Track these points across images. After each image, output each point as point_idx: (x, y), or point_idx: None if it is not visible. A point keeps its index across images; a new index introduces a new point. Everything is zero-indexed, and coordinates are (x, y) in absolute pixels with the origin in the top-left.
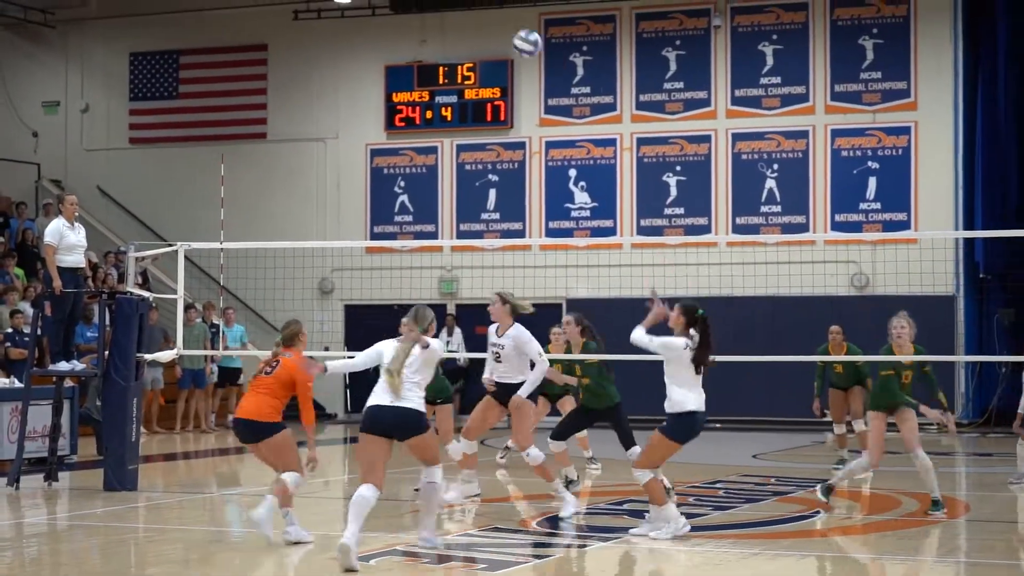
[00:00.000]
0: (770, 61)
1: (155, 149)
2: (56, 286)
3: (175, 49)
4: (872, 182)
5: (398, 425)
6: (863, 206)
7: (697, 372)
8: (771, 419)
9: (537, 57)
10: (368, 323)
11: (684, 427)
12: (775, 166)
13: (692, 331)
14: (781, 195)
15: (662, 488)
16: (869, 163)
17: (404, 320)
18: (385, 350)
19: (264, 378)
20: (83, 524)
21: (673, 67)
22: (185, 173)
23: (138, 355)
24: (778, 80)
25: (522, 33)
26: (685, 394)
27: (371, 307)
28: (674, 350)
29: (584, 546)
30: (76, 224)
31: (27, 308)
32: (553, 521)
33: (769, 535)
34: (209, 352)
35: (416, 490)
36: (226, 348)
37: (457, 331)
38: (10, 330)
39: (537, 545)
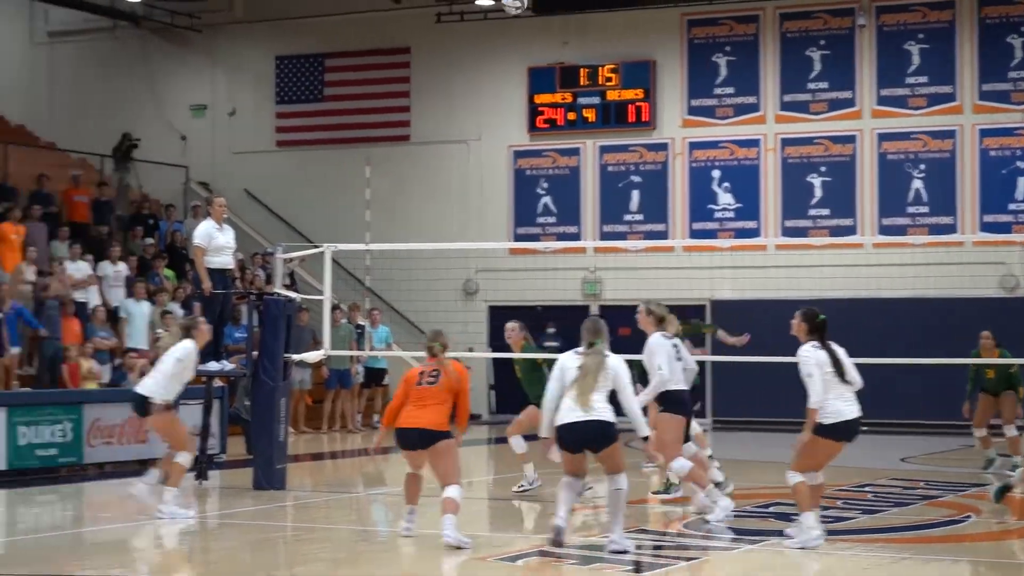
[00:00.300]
0: (916, 60)
1: (301, 151)
2: (205, 287)
3: (320, 52)
4: (1022, 182)
5: (594, 439)
6: (1012, 206)
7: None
8: (920, 422)
9: (519, 8)
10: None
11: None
12: (921, 166)
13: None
14: (928, 196)
15: (808, 494)
16: (1019, 163)
17: (584, 331)
18: (567, 366)
19: (431, 389)
20: (233, 522)
21: (817, 67)
22: (330, 175)
23: (286, 356)
24: (924, 79)
25: None
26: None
27: (515, 308)
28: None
29: (732, 549)
30: (224, 226)
31: (177, 309)
32: (699, 524)
33: (919, 539)
34: (355, 353)
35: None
36: (372, 349)
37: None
38: (160, 331)
39: (684, 547)
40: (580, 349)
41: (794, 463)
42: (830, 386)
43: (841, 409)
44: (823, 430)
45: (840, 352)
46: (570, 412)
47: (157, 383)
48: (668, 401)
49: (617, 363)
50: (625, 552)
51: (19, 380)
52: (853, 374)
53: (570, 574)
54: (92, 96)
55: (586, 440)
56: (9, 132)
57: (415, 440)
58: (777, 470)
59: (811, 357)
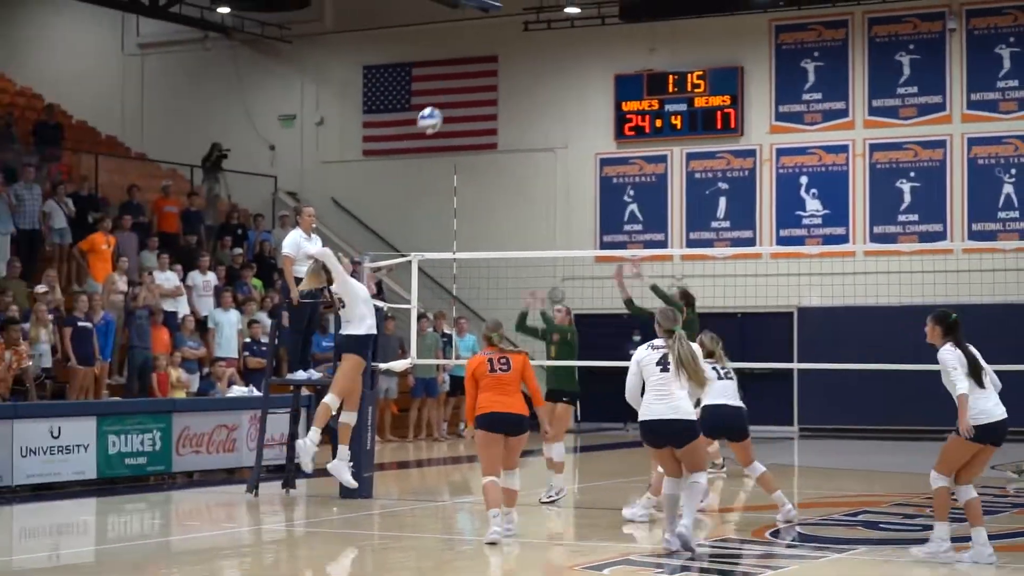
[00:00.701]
0: (1007, 64)
1: (388, 161)
2: (293, 296)
3: (407, 62)
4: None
5: (677, 436)
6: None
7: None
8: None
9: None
10: (598, 331)
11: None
12: (1012, 171)
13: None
14: (1019, 200)
15: (947, 502)
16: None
17: (661, 319)
18: (644, 360)
19: (507, 375)
20: (319, 531)
21: (907, 71)
22: (417, 184)
23: (373, 364)
24: (1015, 83)
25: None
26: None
27: (601, 316)
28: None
29: (819, 558)
30: (312, 235)
31: (265, 318)
32: (786, 532)
33: (1010, 547)
34: (441, 361)
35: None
36: (458, 357)
37: None
38: (249, 340)
39: (770, 556)
40: (657, 342)
41: (939, 464)
42: (971, 387)
43: (989, 409)
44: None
45: (977, 354)
46: (653, 406)
47: None
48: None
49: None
50: (689, 544)
51: (109, 389)
52: (992, 376)
53: None
54: (182, 107)
55: (669, 437)
56: (100, 143)
57: (509, 425)
58: (862, 478)
59: (952, 354)
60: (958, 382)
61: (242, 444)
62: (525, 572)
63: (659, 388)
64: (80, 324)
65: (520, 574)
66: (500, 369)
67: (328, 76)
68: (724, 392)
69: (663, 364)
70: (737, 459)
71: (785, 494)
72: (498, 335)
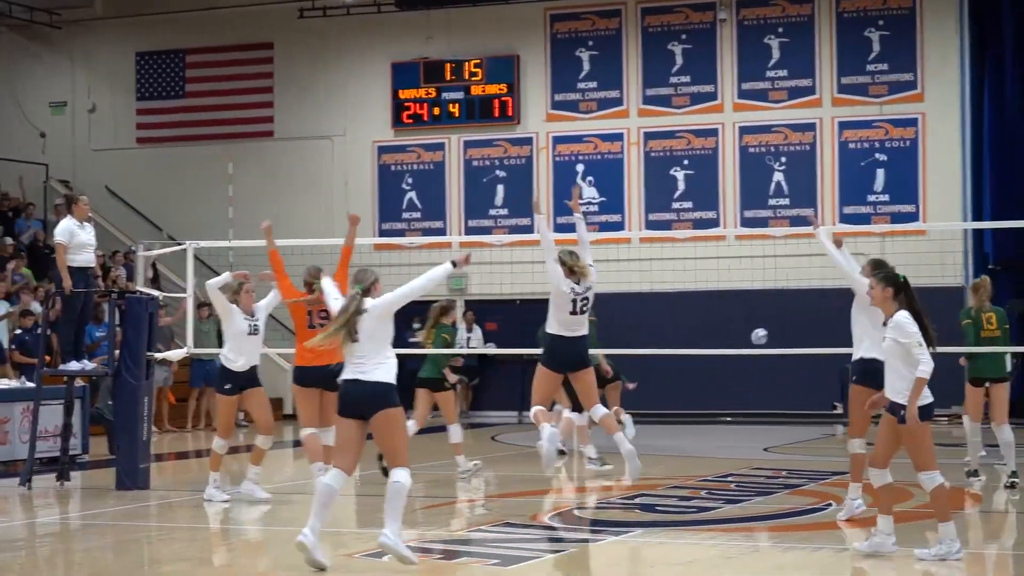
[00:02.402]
0: (776, 54)
1: (162, 148)
2: (66, 285)
3: (181, 48)
4: (880, 174)
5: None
6: (871, 198)
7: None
8: (779, 412)
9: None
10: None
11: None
12: (783, 159)
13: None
14: (789, 188)
15: (947, 502)
16: (877, 155)
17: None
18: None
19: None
20: (95, 523)
21: (680, 61)
22: (193, 172)
23: (148, 354)
24: (784, 73)
25: None
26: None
27: None
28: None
29: (596, 541)
30: (86, 224)
31: (36, 307)
32: (565, 516)
33: (781, 528)
34: (216, 351)
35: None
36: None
37: (476, 328)
38: (20, 331)
39: (550, 540)
40: None
41: (923, 461)
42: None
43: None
44: (926, 412)
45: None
46: None
47: None
48: None
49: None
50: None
51: None
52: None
53: (436, 569)
54: None
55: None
56: None
57: (326, 379)
58: (644, 461)
59: (913, 325)
60: (923, 361)
61: (15, 436)
62: (300, 560)
63: None
64: None
65: (295, 562)
66: (319, 324)
67: (100, 63)
68: None
69: None
70: None
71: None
72: (319, 284)
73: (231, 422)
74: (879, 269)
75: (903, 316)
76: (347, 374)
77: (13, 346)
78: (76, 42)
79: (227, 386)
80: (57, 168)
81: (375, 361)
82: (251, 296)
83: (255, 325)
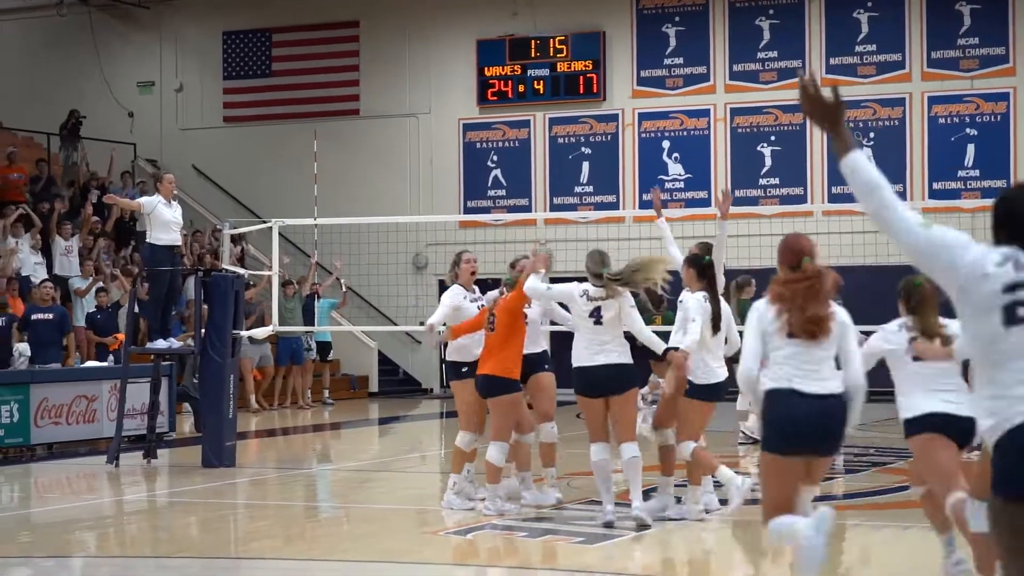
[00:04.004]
0: (865, 28)
1: (249, 127)
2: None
3: (267, 27)
4: (970, 149)
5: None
6: (961, 173)
7: (716, 330)
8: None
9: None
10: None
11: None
12: (871, 135)
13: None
14: (878, 163)
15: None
16: (967, 130)
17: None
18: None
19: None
20: (181, 501)
21: (767, 36)
22: (279, 151)
23: (234, 332)
24: (873, 48)
25: None
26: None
27: None
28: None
29: (680, 520)
30: (172, 202)
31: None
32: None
33: (870, 506)
34: (304, 329)
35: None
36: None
37: None
38: (94, 309)
39: (634, 518)
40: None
41: (683, 432)
42: (703, 343)
43: (716, 369)
44: (698, 391)
45: (727, 310)
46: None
47: None
48: None
49: None
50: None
51: None
52: (733, 335)
53: (519, 546)
54: (39, 74)
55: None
56: None
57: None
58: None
59: (699, 305)
60: (691, 333)
61: (103, 415)
62: (388, 537)
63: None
64: None
65: (382, 538)
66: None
67: (187, 42)
68: None
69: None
70: None
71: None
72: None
73: (482, 412)
74: (697, 253)
75: (686, 294)
76: (597, 359)
77: (86, 326)
78: (164, 22)
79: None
80: (145, 148)
81: (622, 343)
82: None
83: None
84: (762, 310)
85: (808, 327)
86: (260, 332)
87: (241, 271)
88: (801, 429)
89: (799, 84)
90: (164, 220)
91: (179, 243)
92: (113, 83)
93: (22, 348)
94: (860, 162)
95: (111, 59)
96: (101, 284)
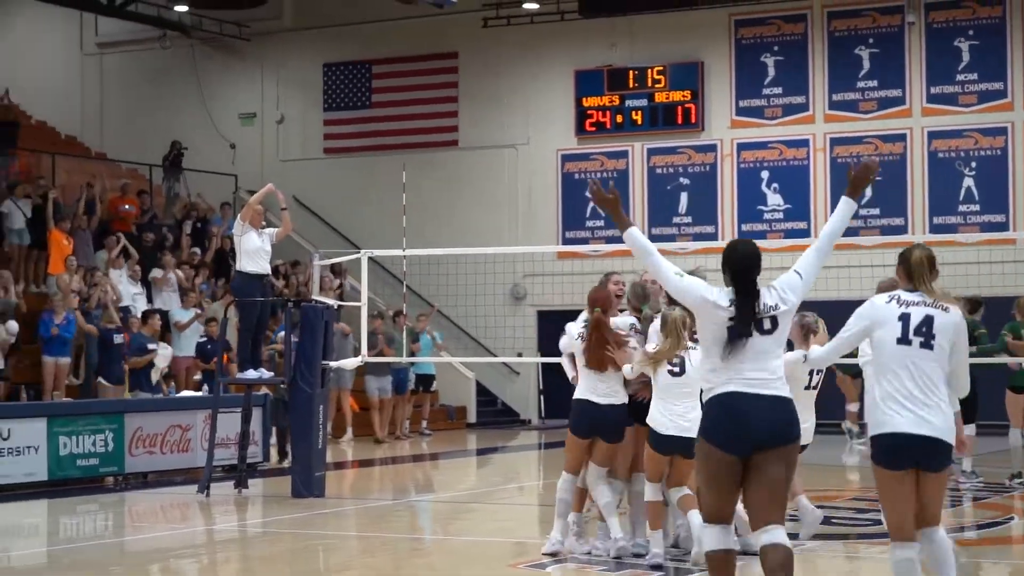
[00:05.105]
0: (966, 57)
1: (348, 158)
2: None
3: (367, 59)
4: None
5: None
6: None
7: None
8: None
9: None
10: (560, 329)
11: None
12: (972, 164)
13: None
14: (979, 193)
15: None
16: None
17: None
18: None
19: None
20: (269, 531)
21: (866, 65)
22: (379, 181)
23: (323, 362)
24: (974, 76)
25: None
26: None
27: (563, 312)
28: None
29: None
30: (263, 232)
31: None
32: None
33: (968, 542)
34: (392, 359)
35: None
36: (414, 354)
37: None
38: (204, 338)
39: None
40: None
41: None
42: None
43: None
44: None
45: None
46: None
47: None
48: None
49: None
50: None
51: (66, 391)
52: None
53: None
54: (142, 106)
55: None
56: (60, 143)
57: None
58: (834, 473)
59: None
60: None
61: (196, 444)
62: (468, 568)
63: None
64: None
65: (462, 569)
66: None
67: (288, 74)
68: None
69: None
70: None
71: None
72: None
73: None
74: None
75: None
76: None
77: (195, 355)
78: (265, 54)
79: None
80: (246, 179)
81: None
82: None
83: None
84: None
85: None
86: (349, 363)
87: (331, 302)
88: None
89: (590, 189)
90: (254, 248)
91: (268, 272)
92: (215, 114)
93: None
94: (634, 235)
95: (213, 91)
96: (198, 313)
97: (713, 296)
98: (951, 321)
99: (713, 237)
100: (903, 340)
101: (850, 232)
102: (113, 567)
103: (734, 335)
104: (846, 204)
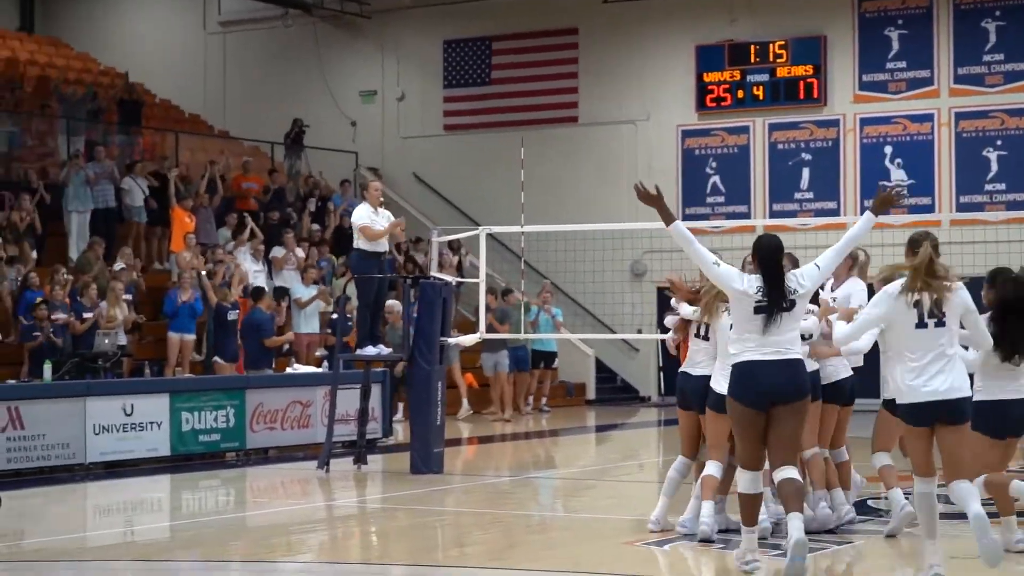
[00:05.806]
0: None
1: (468, 135)
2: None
3: (487, 35)
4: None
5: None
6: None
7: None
8: None
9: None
10: None
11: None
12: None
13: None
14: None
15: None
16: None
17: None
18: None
19: None
20: (386, 507)
21: (992, 39)
22: (498, 158)
23: (442, 339)
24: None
25: None
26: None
27: None
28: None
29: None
30: (380, 209)
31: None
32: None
33: None
34: (511, 336)
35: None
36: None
37: None
38: (336, 315)
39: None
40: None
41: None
42: None
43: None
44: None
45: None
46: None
47: None
48: None
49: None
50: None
51: (190, 367)
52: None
53: (715, 558)
54: (264, 84)
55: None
56: (183, 121)
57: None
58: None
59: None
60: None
61: (317, 420)
62: (581, 546)
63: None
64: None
65: (575, 547)
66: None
67: (408, 51)
68: None
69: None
70: None
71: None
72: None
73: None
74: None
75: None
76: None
77: (328, 330)
78: (386, 31)
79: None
80: (367, 156)
81: None
82: None
83: None
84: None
85: None
86: (468, 339)
87: (449, 278)
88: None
89: (636, 191)
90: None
91: (386, 249)
92: (336, 92)
93: None
94: (679, 228)
95: (334, 68)
96: (321, 289)
97: (743, 285)
98: (957, 299)
99: (835, 213)
100: (920, 325)
101: (975, 208)
102: (234, 542)
103: (764, 313)
104: (869, 218)
